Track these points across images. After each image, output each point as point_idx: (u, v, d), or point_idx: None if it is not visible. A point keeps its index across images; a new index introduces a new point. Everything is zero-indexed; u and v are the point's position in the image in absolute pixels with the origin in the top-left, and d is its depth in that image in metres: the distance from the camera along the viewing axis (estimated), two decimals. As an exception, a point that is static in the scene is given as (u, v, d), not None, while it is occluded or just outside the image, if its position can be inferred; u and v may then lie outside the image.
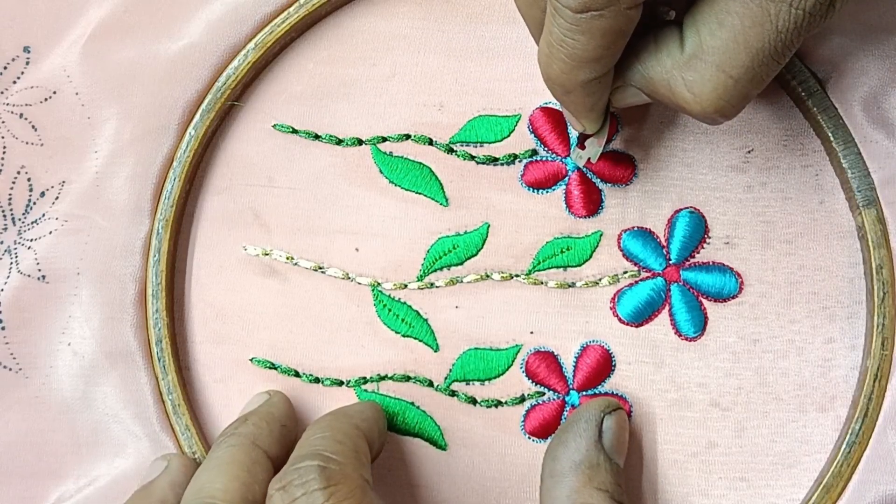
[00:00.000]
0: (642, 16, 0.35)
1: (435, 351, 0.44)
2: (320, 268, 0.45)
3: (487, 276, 0.44)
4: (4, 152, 0.45)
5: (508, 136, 0.44)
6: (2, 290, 0.45)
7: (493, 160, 0.44)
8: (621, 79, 0.38)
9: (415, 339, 0.44)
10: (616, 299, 0.44)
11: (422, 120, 0.45)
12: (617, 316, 0.44)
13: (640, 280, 0.44)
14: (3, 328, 0.45)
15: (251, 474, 0.38)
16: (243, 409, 0.43)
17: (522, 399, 0.44)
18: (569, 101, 0.38)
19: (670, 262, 0.44)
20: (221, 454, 0.39)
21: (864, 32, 0.42)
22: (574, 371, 0.44)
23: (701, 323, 0.43)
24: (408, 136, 0.45)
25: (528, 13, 0.38)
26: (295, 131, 0.45)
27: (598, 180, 0.44)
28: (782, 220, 0.43)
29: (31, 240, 0.45)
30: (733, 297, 0.43)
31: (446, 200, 0.44)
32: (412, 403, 0.44)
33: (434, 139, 0.45)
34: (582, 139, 0.42)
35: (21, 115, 0.45)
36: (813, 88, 0.42)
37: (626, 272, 0.44)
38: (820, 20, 0.34)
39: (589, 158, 0.42)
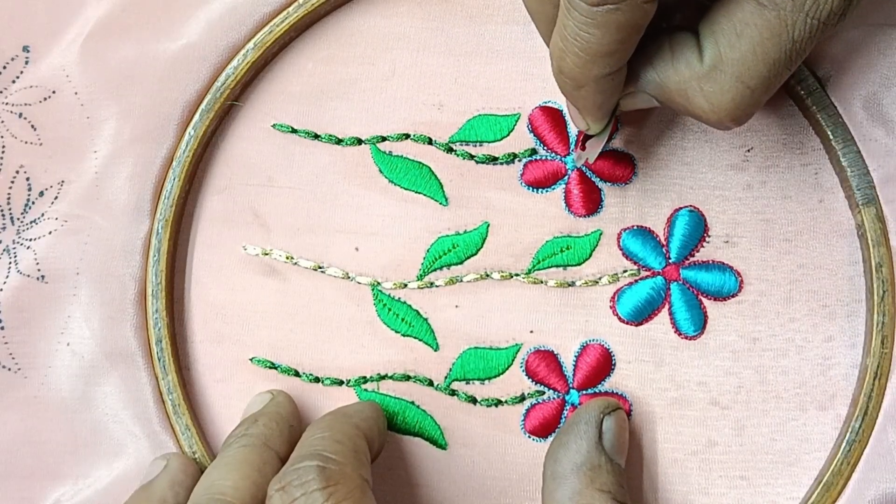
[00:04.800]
0: (653, 17, 0.35)
1: (435, 350, 0.44)
2: (320, 267, 0.45)
3: (487, 275, 0.44)
4: (3, 151, 0.45)
5: (508, 135, 0.44)
6: (1, 289, 0.45)
7: (493, 159, 0.44)
8: (633, 84, 0.38)
9: (415, 338, 0.44)
10: (616, 298, 0.44)
11: (421, 119, 0.45)
12: (617, 315, 0.44)
13: (640, 279, 0.44)
14: (2, 328, 0.45)
15: (262, 474, 0.38)
16: (245, 410, 0.43)
17: (522, 398, 0.44)
18: (579, 96, 0.38)
19: (670, 261, 0.44)
20: (233, 454, 0.39)
21: (864, 31, 0.42)
22: (574, 370, 0.44)
23: (701, 321, 0.43)
24: (407, 136, 0.45)
25: (539, 9, 0.37)
26: (294, 131, 0.45)
27: (598, 179, 0.44)
28: (782, 218, 0.43)
29: (31, 239, 0.45)
30: (733, 296, 0.43)
31: (446, 200, 0.44)
32: (412, 403, 0.44)
33: (433, 138, 0.45)
34: (583, 140, 0.42)
35: (20, 115, 0.45)
36: (812, 87, 0.42)
37: (625, 271, 0.44)
38: (831, 28, 0.35)
39: (587, 159, 0.42)
